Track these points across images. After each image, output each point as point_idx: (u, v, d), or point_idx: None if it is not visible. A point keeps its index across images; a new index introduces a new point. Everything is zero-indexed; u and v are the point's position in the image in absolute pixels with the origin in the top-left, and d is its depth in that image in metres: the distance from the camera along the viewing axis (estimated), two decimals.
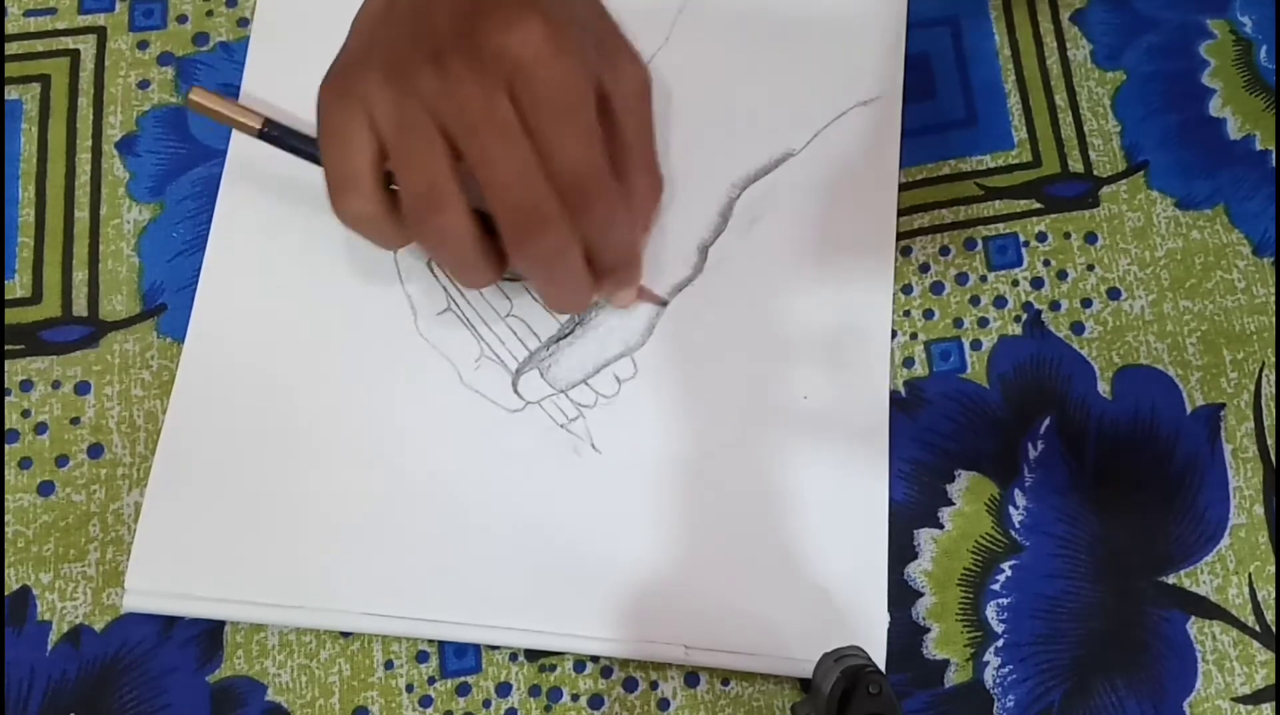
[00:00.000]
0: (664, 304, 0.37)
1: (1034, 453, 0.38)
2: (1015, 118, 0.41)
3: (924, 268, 0.39)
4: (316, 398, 0.37)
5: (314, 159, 0.35)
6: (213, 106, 0.35)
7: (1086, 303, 0.39)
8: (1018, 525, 0.37)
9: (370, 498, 0.36)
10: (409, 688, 0.36)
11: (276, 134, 0.35)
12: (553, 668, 0.36)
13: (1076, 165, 0.40)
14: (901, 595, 0.36)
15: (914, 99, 0.40)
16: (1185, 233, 0.40)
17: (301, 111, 0.39)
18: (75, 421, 0.37)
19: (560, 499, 0.36)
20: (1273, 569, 0.37)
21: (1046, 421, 0.38)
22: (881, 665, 0.35)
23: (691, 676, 0.36)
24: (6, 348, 0.38)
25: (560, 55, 0.30)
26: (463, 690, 0.36)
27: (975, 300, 0.39)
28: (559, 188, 0.31)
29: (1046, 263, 0.39)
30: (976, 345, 0.39)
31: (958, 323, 0.39)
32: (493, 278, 0.34)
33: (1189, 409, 0.38)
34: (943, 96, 0.41)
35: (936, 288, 0.39)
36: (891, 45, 0.40)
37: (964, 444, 0.38)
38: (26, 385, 0.38)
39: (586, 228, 0.32)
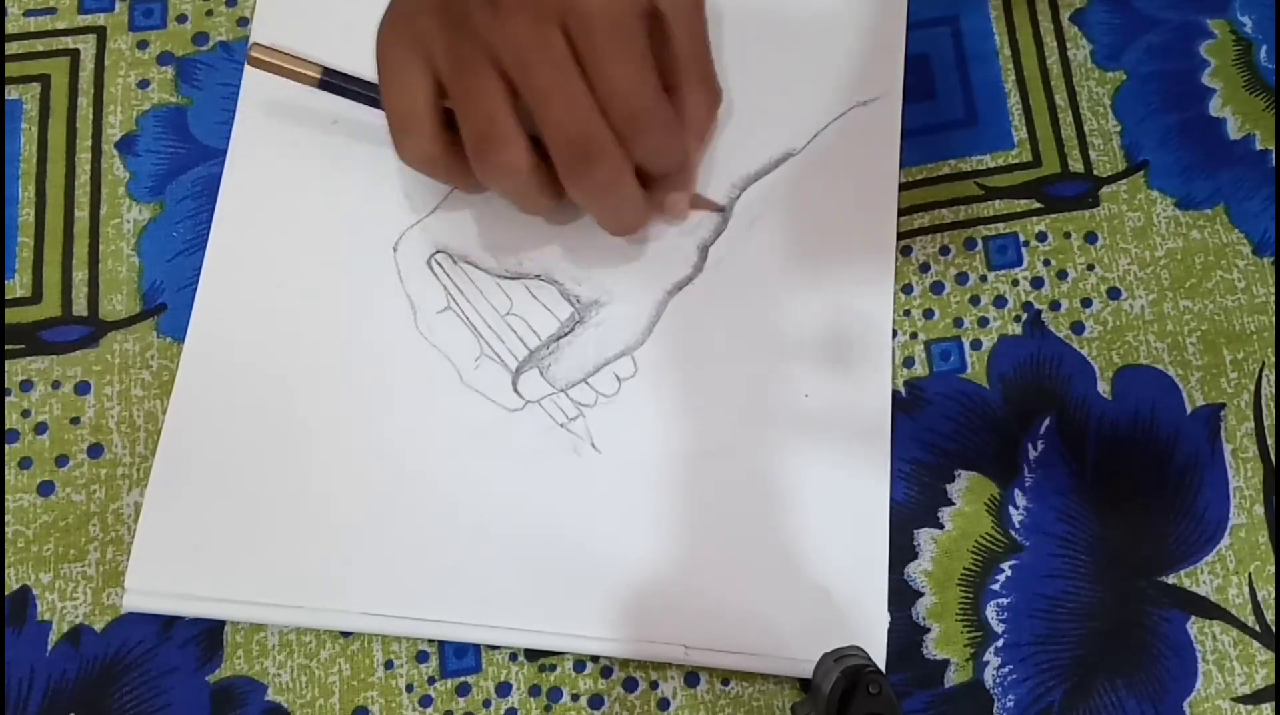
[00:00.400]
0: (721, 210, 0.38)
1: (1034, 453, 0.38)
2: (1015, 118, 0.41)
3: (924, 268, 0.39)
4: (316, 397, 0.37)
5: (375, 103, 0.35)
6: (274, 61, 0.36)
7: (1086, 303, 0.39)
8: (1018, 525, 0.37)
9: (370, 497, 0.36)
10: (409, 688, 0.36)
11: (336, 82, 0.36)
12: (553, 668, 0.36)
13: (1076, 165, 0.40)
14: (901, 595, 0.36)
15: (914, 99, 0.40)
16: (1185, 233, 0.40)
17: (301, 111, 0.40)
18: (75, 421, 0.37)
19: (560, 498, 0.36)
20: (1273, 569, 0.37)
21: (1046, 421, 0.38)
22: (881, 665, 0.35)
23: (691, 676, 0.36)
24: (6, 348, 0.38)
25: None
26: (463, 690, 0.36)
27: (975, 300, 0.39)
28: (612, 118, 0.31)
29: (1046, 263, 0.39)
30: (976, 345, 0.39)
31: (958, 323, 0.39)
32: (552, 205, 0.35)
33: (1189, 409, 0.38)
34: (943, 96, 0.41)
35: (936, 287, 0.39)
36: (891, 45, 0.40)
37: (964, 444, 0.38)
38: (26, 385, 0.37)
39: (640, 153, 0.33)
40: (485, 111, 0.32)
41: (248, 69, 0.40)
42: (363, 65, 0.40)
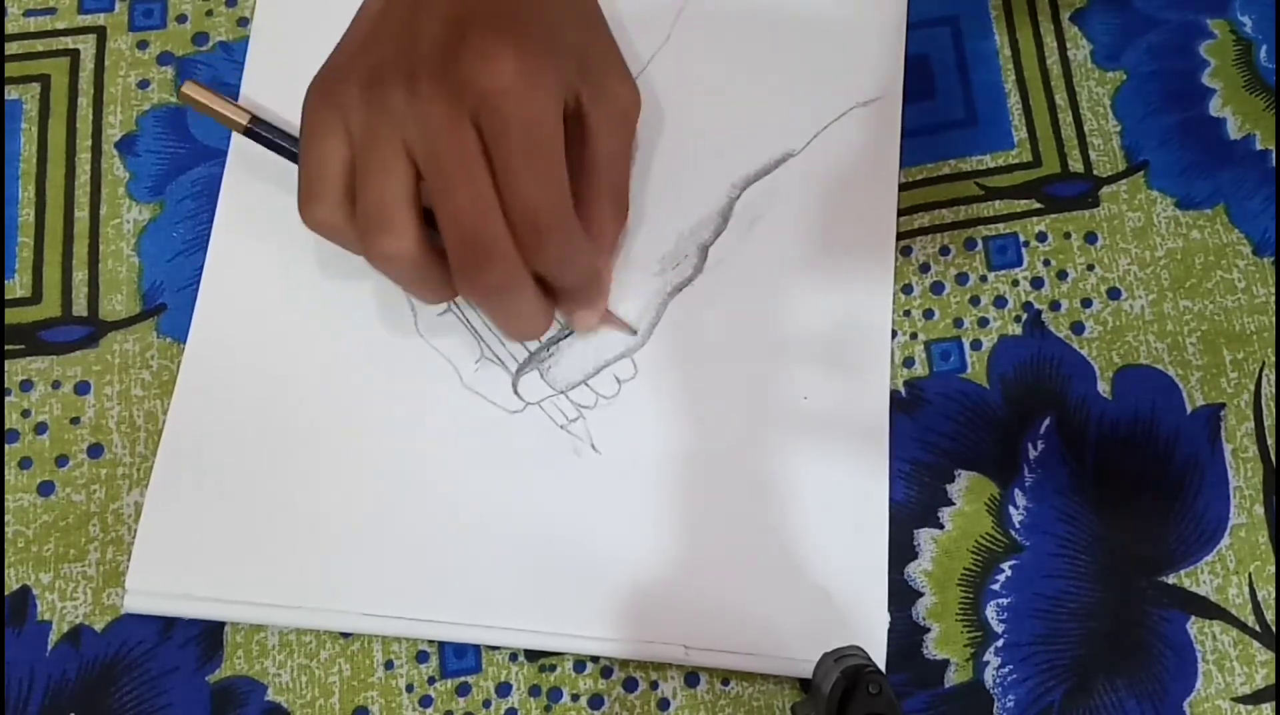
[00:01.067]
0: (633, 333, 0.37)
1: (1034, 453, 0.38)
2: (1015, 118, 0.41)
3: (924, 268, 0.39)
4: (317, 398, 0.37)
5: (295, 158, 0.35)
6: (203, 100, 0.36)
7: (1086, 303, 0.39)
8: (1018, 525, 0.37)
9: (370, 498, 0.36)
10: (409, 688, 0.36)
11: (261, 132, 0.36)
12: (553, 668, 0.36)
13: (1076, 165, 0.40)
14: (901, 595, 0.36)
15: (914, 99, 0.40)
16: (1185, 232, 0.40)
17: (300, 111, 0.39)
18: (75, 421, 0.37)
19: (560, 500, 0.36)
20: (1273, 569, 0.37)
21: (1046, 421, 0.38)
22: (881, 665, 0.35)
23: (691, 676, 0.36)
24: (6, 348, 0.38)
25: (531, 90, 0.30)
26: (463, 690, 0.36)
27: (975, 300, 0.39)
28: (513, 223, 0.30)
29: (1046, 263, 0.39)
30: (976, 345, 0.39)
31: (958, 323, 0.39)
32: (443, 297, 0.34)
33: (1189, 409, 0.38)
34: (943, 96, 0.41)
35: (936, 288, 0.39)
36: (891, 45, 0.40)
37: (964, 444, 0.38)
38: (26, 385, 0.38)
39: (540, 263, 0.32)
40: (379, 192, 0.31)
41: (248, 70, 0.40)
42: None
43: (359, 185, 0.31)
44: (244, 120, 0.36)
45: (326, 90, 0.32)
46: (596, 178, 0.34)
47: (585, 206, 0.33)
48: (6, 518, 0.36)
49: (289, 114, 0.39)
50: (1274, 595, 0.37)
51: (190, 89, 0.36)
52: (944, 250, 0.39)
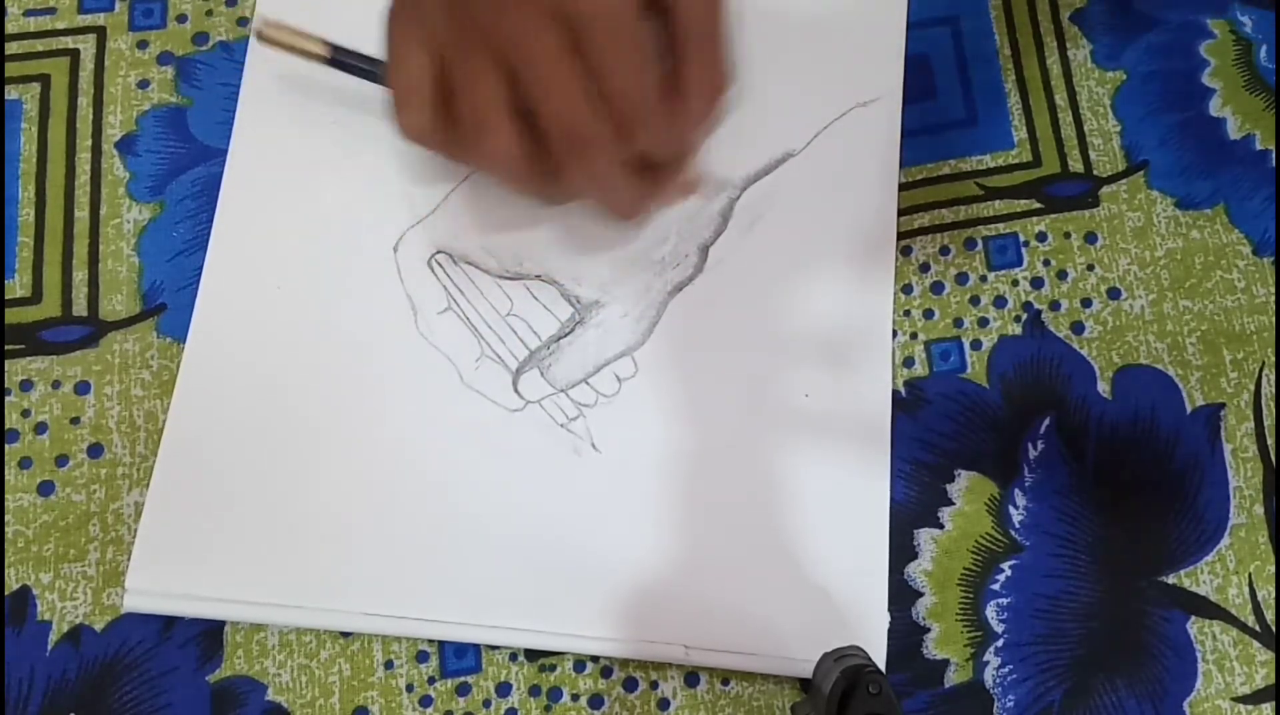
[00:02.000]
0: (737, 190, 0.38)
1: (1034, 453, 0.38)
2: (1015, 118, 0.41)
3: (924, 267, 0.39)
4: (317, 398, 0.37)
5: (380, 80, 0.36)
6: (282, 38, 0.36)
7: (1086, 302, 0.39)
8: (1018, 525, 0.37)
9: (370, 497, 0.36)
10: (409, 688, 0.36)
11: (343, 59, 0.37)
12: (553, 668, 0.36)
13: (1076, 165, 0.40)
14: (901, 595, 0.36)
15: (914, 99, 0.40)
16: (1185, 232, 0.40)
17: (302, 112, 0.39)
18: (75, 421, 0.37)
19: (560, 499, 0.36)
20: (1273, 569, 0.37)
21: (1046, 421, 0.38)
22: (881, 665, 0.35)
23: (691, 676, 0.36)
24: (6, 348, 0.38)
25: None
26: (463, 690, 0.36)
27: (975, 300, 0.39)
28: (608, 111, 0.32)
29: (1046, 262, 0.39)
30: (976, 345, 0.39)
31: (958, 322, 0.39)
32: (546, 194, 0.35)
33: (1189, 409, 0.38)
34: (943, 96, 0.41)
35: (936, 287, 0.39)
36: (891, 45, 0.40)
37: (964, 444, 0.38)
38: (26, 385, 0.37)
39: (635, 147, 0.33)
40: (477, 99, 0.32)
41: (248, 69, 0.40)
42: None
43: (458, 95, 0.33)
44: (324, 51, 0.36)
45: (408, 8, 0.34)
46: (687, 49, 0.35)
47: (688, 77, 0.34)
48: (6, 518, 0.36)
49: (290, 112, 0.40)
50: (1274, 595, 0.37)
51: (267, 28, 0.36)
52: (944, 250, 0.39)
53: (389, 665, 0.36)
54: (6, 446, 0.37)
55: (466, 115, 0.33)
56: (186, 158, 0.40)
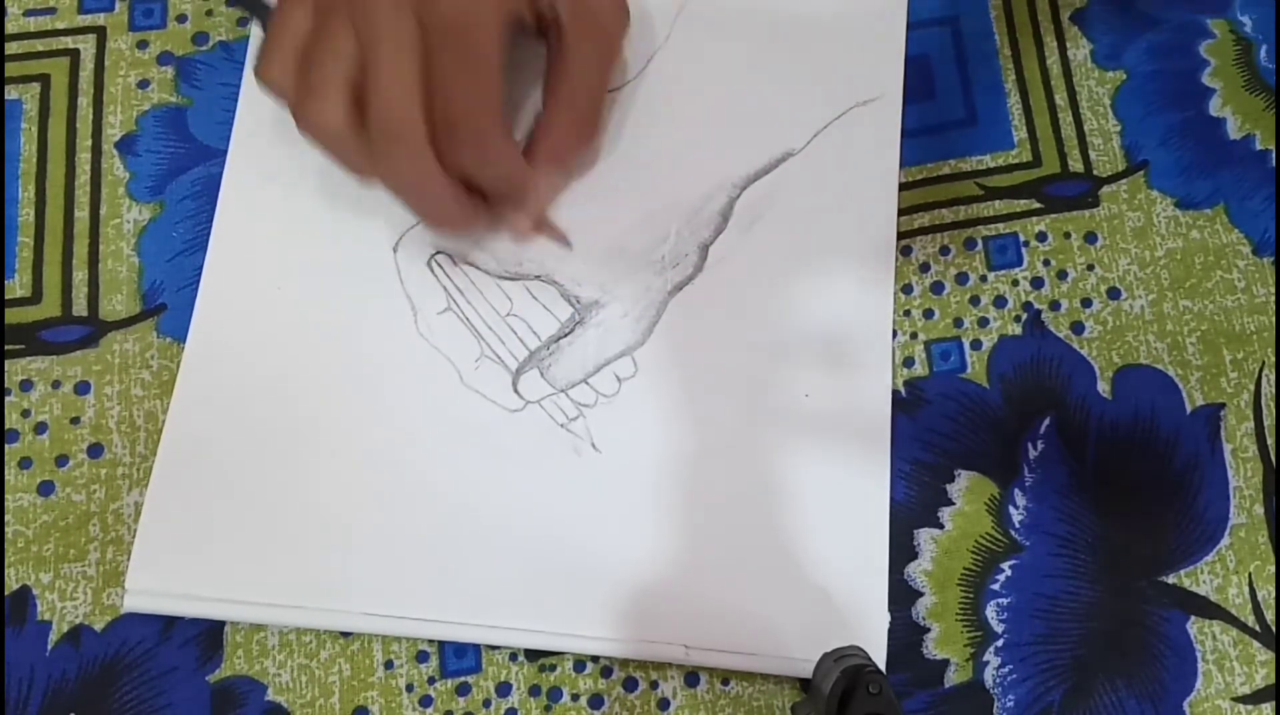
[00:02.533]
0: (568, 247, 0.38)
1: (1034, 452, 0.38)
2: (1015, 117, 0.41)
3: (924, 267, 0.39)
4: (317, 398, 0.37)
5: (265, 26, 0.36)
6: None
7: (1086, 302, 0.39)
8: (1018, 525, 0.37)
9: (370, 498, 0.36)
10: (409, 688, 0.36)
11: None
12: (553, 668, 0.36)
13: (1076, 165, 0.40)
14: (901, 595, 0.36)
15: (914, 99, 0.40)
16: (1185, 232, 0.40)
17: None
18: (75, 421, 0.37)
19: (560, 499, 0.36)
20: (1273, 569, 0.37)
21: (1046, 421, 0.38)
22: (881, 665, 0.35)
23: (691, 676, 0.36)
24: (6, 348, 0.38)
25: None
26: (463, 690, 0.36)
27: (975, 300, 0.39)
28: (431, 119, 0.32)
29: (1046, 262, 0.39)
30: (976, 345, 0.39)
31: (958, 322, 0.39)
32: (363, 176, 0.35)
33: (1189, 409, 0.38)
34: (943, 96, 0.41)
35: (936, 287, 0.39)
36: (891, 45, 0.40)
37: (964, 444, 0.38)
38: (26, 385, 0.37)
39: (452, 161, 0.33)
40: (321, 63, 0.32)
41: (248, 69, 0.40)
42: None
43: (305, 53, 0.33)
44: None
45: None
46: (562, 92, 0.35)
47: (547, 118, 0.35)
48: (6, 518, 0.36)
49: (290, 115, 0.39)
50: (1274, 595, 0.37)
51: None
52: (944, 250, 0.39)
53: (389, 665, 0.36)
54: (6, 446, 0.37)
55: (302, 76, 0.33)
56: (186, 158, 0.40)
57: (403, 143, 0.32)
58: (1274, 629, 0.36)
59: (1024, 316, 0.39)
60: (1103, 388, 0.38)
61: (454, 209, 0.35)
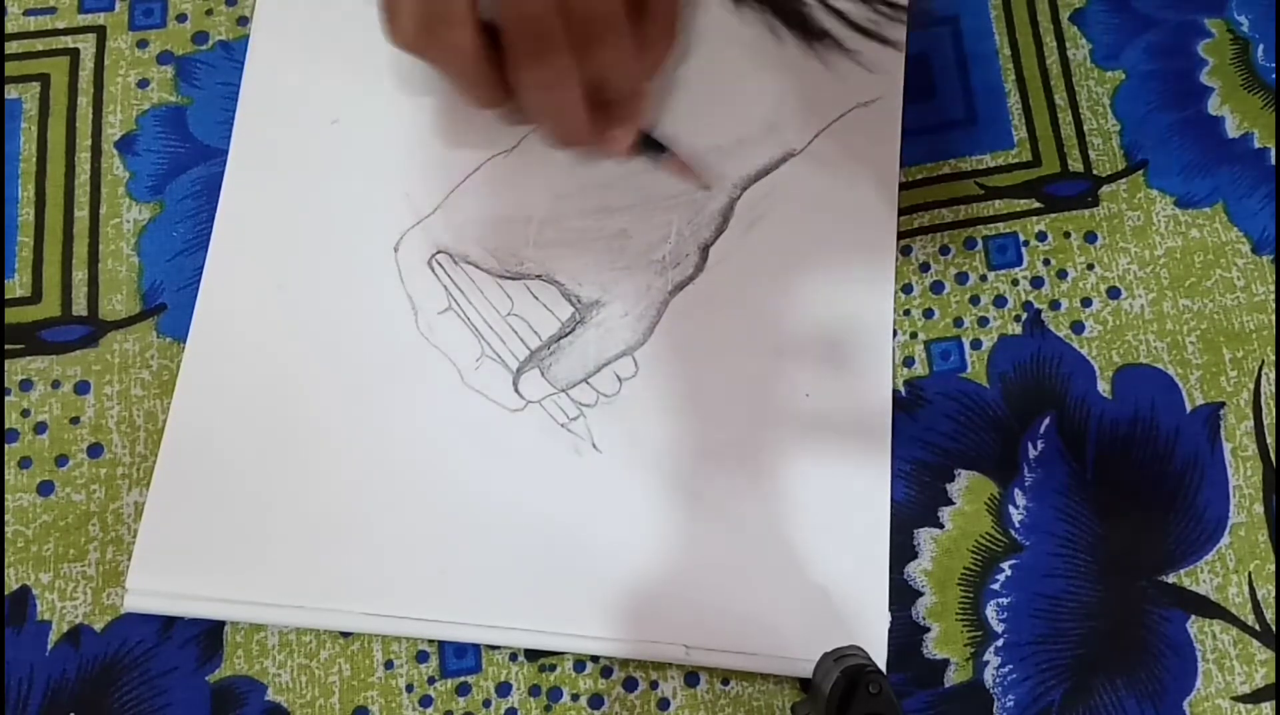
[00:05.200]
0: (704, 187, 0.38)
1: (1034, 452, 0.38)
2: (1015, 117, 0.41)
3: (924, 267, 0.39)
4: (317, 398, 0.37)
5: None
6: None
7: (1086, 302, 0.39)
8: (1018, 525, 0.37)
9: (370, 498, 0.36)
10: (409, 688, 0.36)
11: None
12: (553, 668, 0.36)
13: (1076, 164, 0.40)
14: (901, 595, 0.36)
15: (914, 99, 0.40)
16: (1184, 231, 0.40)
17: (301, 111, 0.39)
18: (75, 421, 0.37)
19: (561, 499, 0.36)
20: (1273, 568, 0.37)
21: (1046, 421, 0.38)
22: (882, 665, 0.35)
23: (691, 676, 0.36)
24: (6, 347, 0.38)
25: None
26: (463, 690, 0.36)
27: (975, 299, 0.39)
28: (571, 20, 0.32)
29: (1046, 262, 0.39)
30: (976, 344, 0.39)
31: (958, 322, 0.39)
32: (492, 101, 0.35)
33: (1189, 408, 0.38)
34: (943, 96, 0.41)
35: (936, 287, 0.39)
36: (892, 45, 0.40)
37: (964, 443, 0.38)
38: (26, 385, 0.37)
39: (589, 64, 0.33)
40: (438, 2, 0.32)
41: (248, 69, 0.40)
42: (362, 64, 0.40)
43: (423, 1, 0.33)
44: None
45: None
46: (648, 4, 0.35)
47: (640, 22, 0.35)
48: (6, 518, 0.36)
49: (290, 112, 0.40)
50: (1274, 594, 0.37)
51: None
52: (944, 250, 0.40)
53: (389, 665, 0.36)
54: (6, 446, 0.37)
55: (427, 6, 0.33)
56: (186, 157, 0.40)
57: (552, 51, 0.32)
58: (1274, 628, 0.36)
59: (1024, 316, 0.39)
60: (1103, 387, 0.38)
61: (584, 124, 0.35)
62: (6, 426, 0.37)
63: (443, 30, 0.33)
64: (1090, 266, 0.39)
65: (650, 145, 0.38)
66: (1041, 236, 0.40)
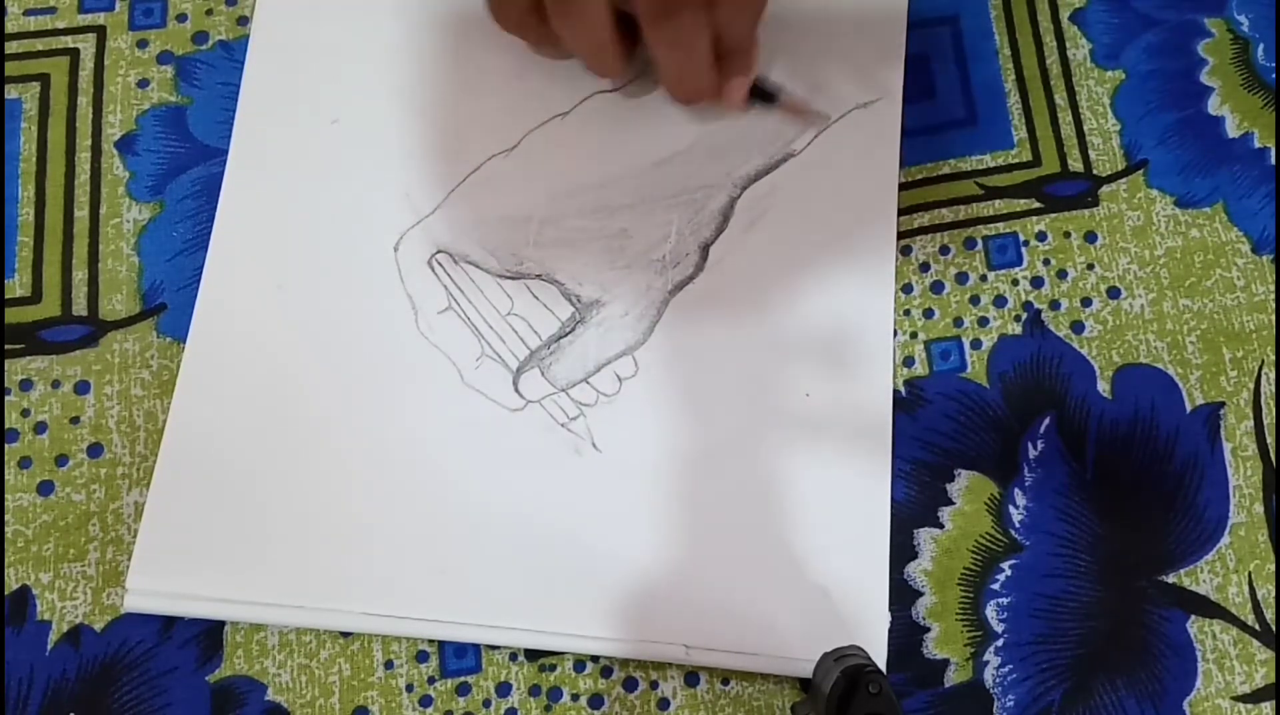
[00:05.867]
0: (825, 116, 0.39)
1: (1034, 452, 0.38)
2: (1015, 117, 0.41)
3: (924, 267, 0.39)
4: (317, 397, 0.37)
5: None
6: None
7: (1086, 302, 0.39)
8: (1018, 524, 0.37)
9: (371, 497, 0.36)
10: (409, 688, 0.35)
11: None
12: (553, 668, 0.36)
13: (1076, 164, 0.40)
14: (901, 595, 0.36)
15: (914, 99, 0.40)
16: (1184, 231, 0.40)
17: (301, 111, 0.39)
18: (75, 421, 0.37)
19: (561, 498, 0.36)
20: (1273, 567, 0.37)
21: (1046, 421, 0.38)
22: (882, 665, 0.35)
23: (691, 676, 0.36)
24: (6, 347, 0.38)
25: None
26: (463, 690, 0.36)
27: (975, 299, 0.39)
28: None
29: (1046, 262, 0.39)
30: (976, 344, 0.39)
31: (958, 322, 0.39)
32: (621, 69, 0.36)
33: (1189, 408, 0.38)
34: (943, 96, 0.41)
35: (936, 287, 0.39)
36: (891, 45, 0.40)
37: (964, 443, 0.38)
38: (26, 385, 0.37)
39: (718, 13, 0.34)
40: None
41: (248, 69, 0.40)
42: (362, 64, 0.40)
43: None
44: None
45: None
46: None
47: None
48: (6, 517, 0.36)
49: (290, 112, 0.40)
50: (1274, 594, 0.37)
51: None
52: (944, 250, 0.40)
53: (389, 665, 0.36)
54: (6, 446, 0.37)
55: None
56: (186, 157, 0.40)
57: (687, 11, 0.33)
58: (1274, 628, 0.36)
59: (1024, 316, 0.39)
60: (1103, 387, 0.38)
61: (710, 78, 0.36)
62: (6, 426, 0.37)
63: (576, 4, 0.33)
64: (1090, 266, 0.39)
65: (762, 94, 0.38)
66: (1041, 236, 0.40)
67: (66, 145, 0.39)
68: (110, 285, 0.38)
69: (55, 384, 0.38)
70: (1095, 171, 0.40)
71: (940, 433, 0.38)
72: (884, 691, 0.30)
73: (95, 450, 0.37)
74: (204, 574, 0.35)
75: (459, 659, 0.36)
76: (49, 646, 0.35)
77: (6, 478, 0.37)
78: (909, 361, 0.38)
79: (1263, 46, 0.41)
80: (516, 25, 0.36)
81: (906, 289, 0.39)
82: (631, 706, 0.36)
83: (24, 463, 0.37)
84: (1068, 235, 0.40)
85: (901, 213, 0.39)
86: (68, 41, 0.41)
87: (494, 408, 0.37)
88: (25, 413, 0.37)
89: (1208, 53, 0.41)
